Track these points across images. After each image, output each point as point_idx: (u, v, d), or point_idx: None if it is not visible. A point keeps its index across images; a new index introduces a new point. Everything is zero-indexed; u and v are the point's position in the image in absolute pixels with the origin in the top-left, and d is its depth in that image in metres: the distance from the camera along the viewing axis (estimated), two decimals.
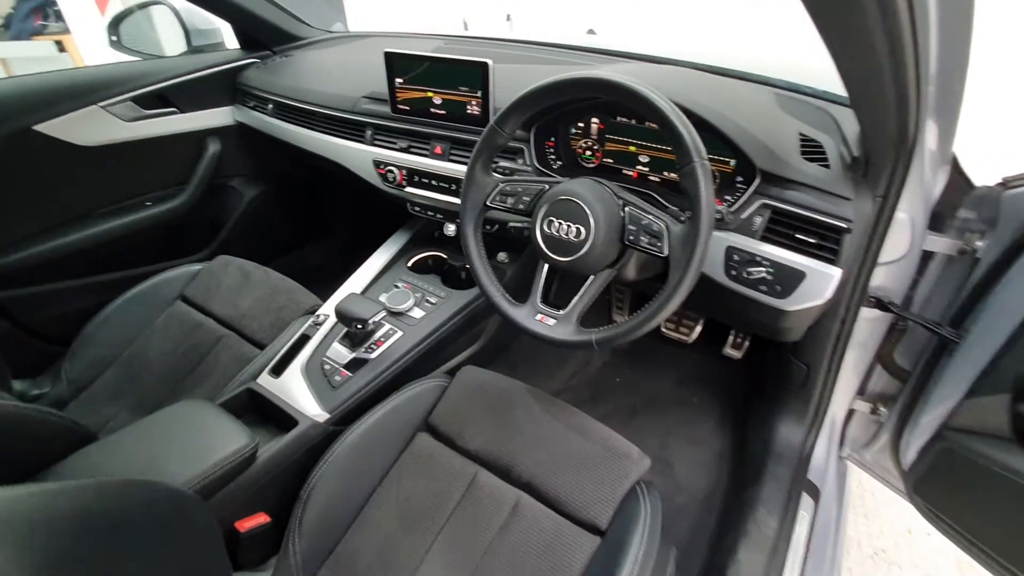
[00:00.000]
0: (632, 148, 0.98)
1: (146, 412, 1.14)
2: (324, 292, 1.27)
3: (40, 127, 1.22)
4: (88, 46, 3.44)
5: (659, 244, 0.73)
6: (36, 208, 1.30)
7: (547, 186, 0.84)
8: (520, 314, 0.85)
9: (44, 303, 1.35)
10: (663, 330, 1.51)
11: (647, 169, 0.99)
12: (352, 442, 0.91)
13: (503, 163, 1.05)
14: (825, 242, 0.80)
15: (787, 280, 0.82)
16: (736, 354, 1.42)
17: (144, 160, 1.43)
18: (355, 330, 1.04)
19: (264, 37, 1.60)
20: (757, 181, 0.84)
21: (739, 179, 0.88)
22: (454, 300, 1.18)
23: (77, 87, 1.27)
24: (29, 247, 1.29)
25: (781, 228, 0.82)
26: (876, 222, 0.81)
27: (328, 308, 1.17)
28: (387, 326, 1.11)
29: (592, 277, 0.82)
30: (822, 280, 0.79)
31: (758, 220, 0.84)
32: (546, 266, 0.86)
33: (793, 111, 0.93)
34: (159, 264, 1.47)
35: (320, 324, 1.13)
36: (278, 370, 1.05)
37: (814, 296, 0.81)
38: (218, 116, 1.56)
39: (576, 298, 0.82)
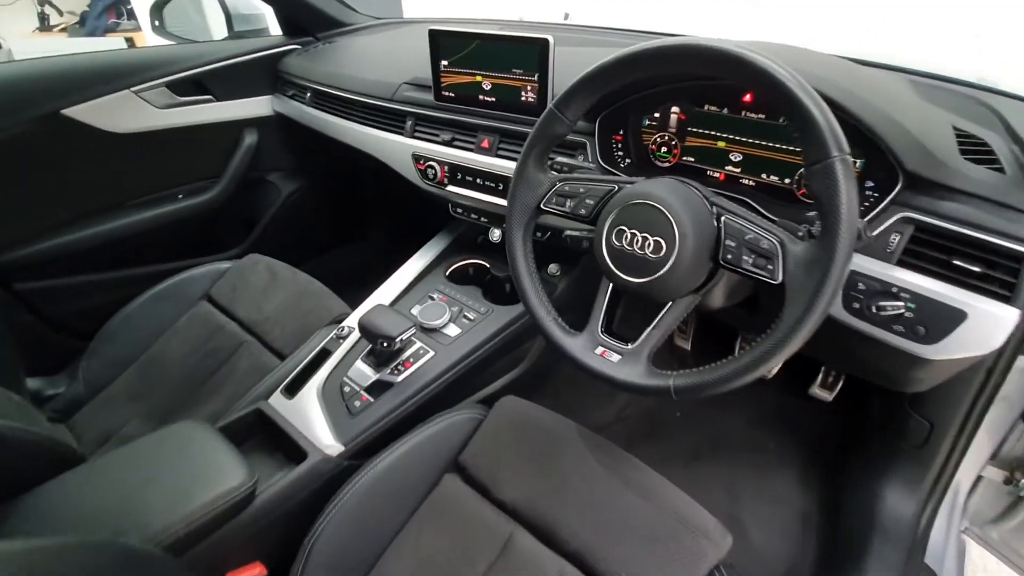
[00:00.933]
0: (721, 144, 0.80)
1: (158, 420, 1.06)
2: (356, 298, 1.15)
3: (69, 111, 1.15)
4: (157, 44, 3.53)
5: (770, 267, 0.55)
6: (63, 197, 1.24)
7: (616, 187, 0.67)
8: (576, 345, 0.69)
9: (69, 296, 1.29)
10: None
11: (738, 170, 0.80)
12: (368, 482, 0.77)
13: (560, 159, 0.89)
14: (994, 271, 0.59)
15: (936, 320, 0.61)
16: (826, 395, 1.19)
17: (177, 150, 1.35)
18: (380, 348, 0.90)
19: (308, 22, 1.51)
20: (899, 186, 0.64)
21: (869, 184, 0.68)
22: (495, 317, 1.02)
23: (108, 71, 1.19)
24: (56, 237, 1.23)
25: (929, 250, 0.62)
26: None
27: (354, 319, 1.04)
28: (417, 344, 0.97)
29: (670, 304, 0.65)
30: (990, 323, 0.58)
31: (895, 239, 0.64)
32: (610, 286, 0.69)
33: (939, 101, 0.73)
34: (189, 260, 1.39)
35: (344, 338, 1.00)
36: (293, 389, 0.92)
37: (976, 345, 0.60)
38: (256, 105, 1.47)
39: (649, 329, 0.65)
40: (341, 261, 1.80)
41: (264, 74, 1.46)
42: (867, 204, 0.68)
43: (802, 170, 0.74)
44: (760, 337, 0.56)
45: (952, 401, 0.81)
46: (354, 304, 1.14)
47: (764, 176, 0.78)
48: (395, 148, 1.12)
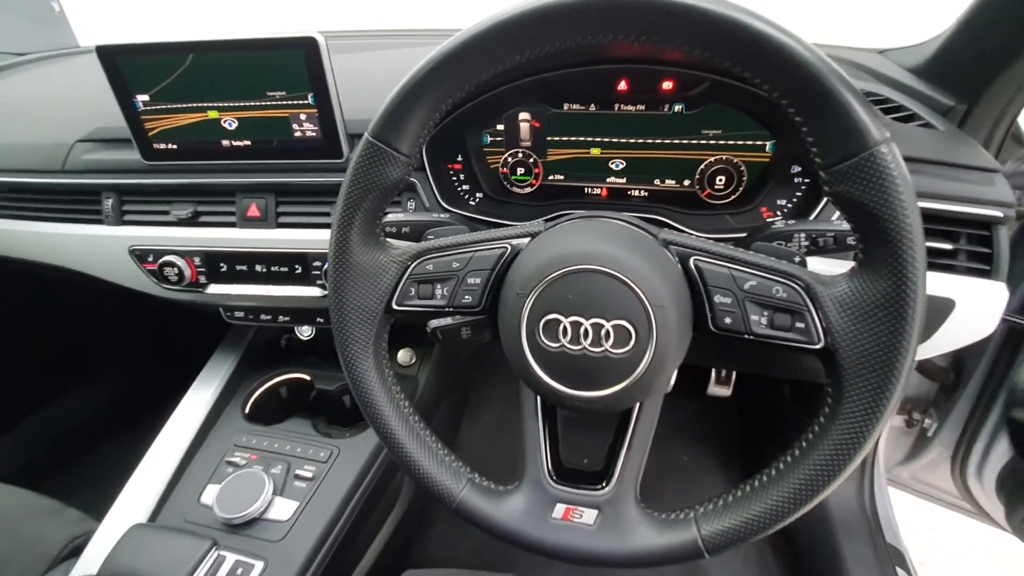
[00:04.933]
0: (595, 151, 0.60)
1: None
2: (98, 490, 0.69)
3: None
4: None
5: (800, 325, 0.36)
6: None
7: (507, 248, 0.42)
8: (519, 514, 0.43)
9: None
10: None
11: (623, 180, 0.61)
12: None
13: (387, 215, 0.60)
14: (961, 244, 0.49)
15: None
16: (724, 391, 1.13)
17: None
18: None
19: None
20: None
21: (796, 169, 0.55)
22: (347, 457, 0.68)
23: None
24: None
25: None
26: None
27: (95, 556, 0.59)
28: (230, 560, 0.58)
29: (638, 407, 0.43)
30: (983, 307, 0.49)
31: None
32: (539, 404, 0.44)
33: None
34: None
35: None
36: None
37: (971, 333, 0.50)
38: None
39: (625, 451, 0.43)
40: (61, 424, 1.16)
41: None
42: (798, 194, 0.55)
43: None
44: (808, 435, 0.37)
45: None
46: (97, 506, 0.68)
47: (657, 183, 0.61)
48: (93, 247, 0.68)
